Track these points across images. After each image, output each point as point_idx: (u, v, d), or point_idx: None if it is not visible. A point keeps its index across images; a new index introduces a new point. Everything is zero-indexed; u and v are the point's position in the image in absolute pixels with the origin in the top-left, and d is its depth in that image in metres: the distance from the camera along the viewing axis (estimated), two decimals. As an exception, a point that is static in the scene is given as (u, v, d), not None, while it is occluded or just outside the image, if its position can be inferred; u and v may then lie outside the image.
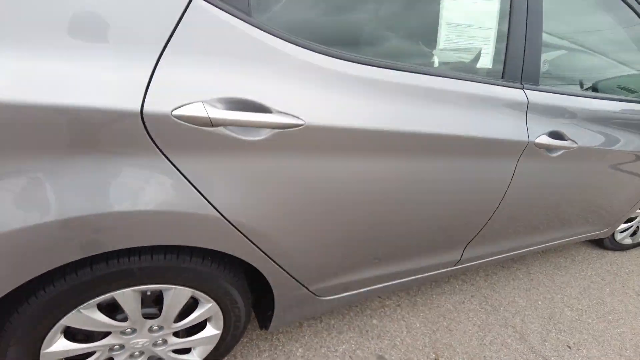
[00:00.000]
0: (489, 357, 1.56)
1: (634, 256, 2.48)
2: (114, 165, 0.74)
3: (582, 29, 1.59)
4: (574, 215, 1.79)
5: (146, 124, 0.73)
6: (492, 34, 1.18)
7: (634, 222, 2.35)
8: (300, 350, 1.45)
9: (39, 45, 0.65)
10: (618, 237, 2.36)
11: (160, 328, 1.05)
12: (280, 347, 1.44)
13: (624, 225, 2.32)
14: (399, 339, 1.58)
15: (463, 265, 1.62)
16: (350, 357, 1.46)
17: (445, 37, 1.10)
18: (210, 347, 1.18)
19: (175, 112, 0.75)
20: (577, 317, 1.87)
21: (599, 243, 2.46)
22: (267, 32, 0.83)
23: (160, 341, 1.09)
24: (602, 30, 1.62)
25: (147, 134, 0.74)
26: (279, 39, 0.85)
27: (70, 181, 0.71)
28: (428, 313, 1.73)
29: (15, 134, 0.65)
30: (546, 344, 1.68)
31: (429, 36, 1.11)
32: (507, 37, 1.20)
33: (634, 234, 2.44)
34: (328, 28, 0.96)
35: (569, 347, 1.69)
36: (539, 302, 1.93)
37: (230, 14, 0.79)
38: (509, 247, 1.70)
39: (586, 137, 1.47)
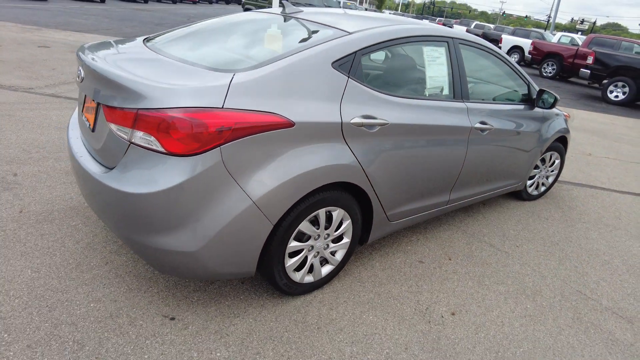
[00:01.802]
0: (477, 251, 2.75)
1: (539, 201, 3.89)
2: (332, 146, 1.84)
3: (478, 70, 2.99)
4: (502, 172, 3.12)
5: (343, 127, 1.86)
6: (446, 79, 2.48)
7: (534, 178, 3.77)
8: (377, 259, 2.52)
9: (321, 99, 1.77)
10: (529, 190, 3.76)
11: (327, 236, 2.09)
12: (362, 258, 2.50)
13: (530, 182, 3.73)
14: (426, 253, 2.71)
15: (450, 205, 2.83)
16: (421, 261, 2.56)
17: (429, 83, 2.38)
18: (344, 251, 2.22)
19: (351, 122, 1.88)
20: (515, 233, 3.15)
21: (518, 196, 3.84)
22: (372, 89, 2.02)
23: (326, 245, 2.12)
24: (488, 70, 3.03)
25: (342, 132, 1.87)
26: (375, 91, 2.03)
27: (325, 151, 1.80)
28: (438, 239, 2.90)
29: (319, 133, 1.74)
30: (504, 243, 2.92)
31: (424, 83, 2.37)
32: (452, 78, 2.51)
33: (537, 187, 3.86)
34: (391, 85, 2.17)
35: (517, 247, 2.94)
36: (494, 228, 3.19)
37: (360, 83, 1.97)
38: (472, 193, 2.95)
39: (498, 123, 2.81)
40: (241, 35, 2.25)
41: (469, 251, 2.83)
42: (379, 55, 2.26)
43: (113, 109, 1.62)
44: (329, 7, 13.10)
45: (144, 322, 1.87)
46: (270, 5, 11.72)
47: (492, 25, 27.94)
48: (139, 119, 1.54)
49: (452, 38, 2.53)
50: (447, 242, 2.90)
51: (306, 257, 2.06)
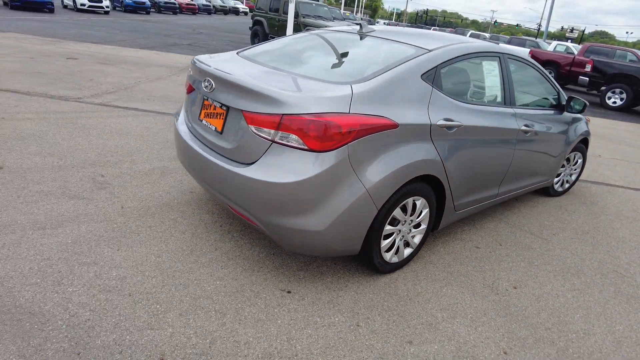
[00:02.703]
0: (521, 238, 3.13)
1: (564, 197, 4.29)
2: (423, 144, 2.21)
3: (520, 79, 3.39)
4: (537, 169, 3.51)
5: (431, 128, 2.23)
6: (499, 87, 2.87)
7: (560, 176, 4.17)
8: (440, 245, 2.88)
9: (412, 105, 2.14)
10: (555, 186, 4.16)
11: (411, 222, 2.44)
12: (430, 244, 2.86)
13: (556, 179, 4.13)
14: (480, 240, 3.08)
15: (498, 198, 3.21)
16: (477, 246, 2.92)
17: (488, 91, 2.77)
18: (421, 236, 2.58)
19: (437, 124, 2.26)
20: (549, 223, 3.54)
21: (545, 192, 4.23)
22: (448, 96, 2.39)
23: (409, 230, 2.48)
24: (527, 79, 3.44)
25: (430, 132, 2.24)
26: (450, 98, 2.41)
27: (418, 148, 2.17)
28: (486, 229, 3.27)
29: (414, 133, 2.11)
30: (542, 232, 3.30)
31: (484, 92, 2.75)
32: (503, 87, 2.90)
33: (562, 184, 4.26)
34: (460, 93, 2.55)
35: (554, 235, 3.33)
36: (531, 219, 3.58)
37: (440, 91, 2.34)
38: (514, 187, 3.34)
39: (537, 126, 3.20)
40: (333, 51, 2.63)
41: (514, 238, 3.20)
42: (450, 68, 2.62)
43: (256, 114, 1.97)
44: (336, 18, 13.57)
45: (267, 295, 2.20)
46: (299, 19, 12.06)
47: (487, 35, 28.75)
48: (284, 122, 1.89)
49: (502, 53, 2.93)
50: (494, 231, 3.27)
51: (394, 240, 2.42)
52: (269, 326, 1.99)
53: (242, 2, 44.31)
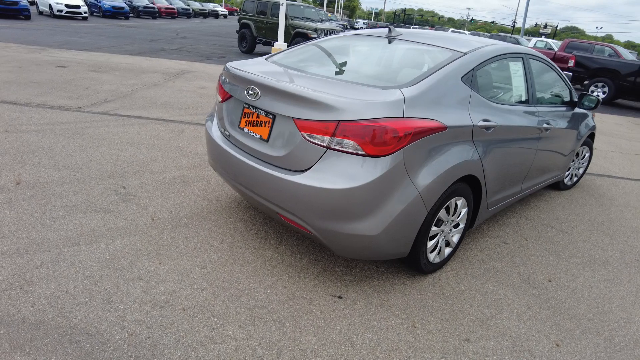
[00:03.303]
0: (543, 232, 3.22)
1: (573, 190, 4.42)
2: (466, 145, 2.26)
3: (539, 78, 3.48)
4: (553, 164, 3.60)
5: (473, 129, 2.27)
6: (524, 87, 2.94)
7: (569, 170, 4.29)
8: (471, 243, 2.93)
9: (456, 108, 2.18)
10: (565, 180, 4.28)
11: (452, 222, 2.48)
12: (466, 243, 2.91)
13: (566, 173, 4.25)
14: (506, 236, 3.15)
15: (521, 194, 3.29)
16: (505, 242, 2.98)
17: (515, 91, 2.83)
18: (459, 235, 2.62)
19: (477, 124, 2.30)
20: (566, 216, 3.64)
21: (555, 187, 4.35)
22: (483, 97, 2.44)
23: (449, 229, 2.52)
24: (545, 78, 3.53)
25: (472, 133, 2.28)
26: (485, 98, 2.46)
27: (463, 149, 2.21)
28: (509, 225, 3.35)
29: (459, 134, 2.15)
30: (561, 225, 3.40)
31: (512, 92, 2.82)
32: (527, 87, 2.97)
33: (571, 178, 4.39)
34: (492, 93, 2.61)
35: (572, 227, 3.43)
36: (548, 213, 3.67)
37: (477, 93, 2.39)
38: (534, 183, 3.42)
39: (555, 123, 3.30)
40: (368, 55, 2.65)
41: (537, 232, 3.28)
42: (484, 70, 2.67)
43: (310, 121, 1.97)
44: (323, 20, 13.58)
45: (319, 301, 2.20)
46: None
47: (467, 32, 29.26)
48: (340, 129, 1.90)
49: (525, 54, 3.00)
50: (517, 227, 3.35)
51: (437, 241, 2.45)
52: (329, 333, 1.99)
53: (221, 5, 43.87)
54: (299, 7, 12.86)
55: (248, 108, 2.36)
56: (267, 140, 2.22)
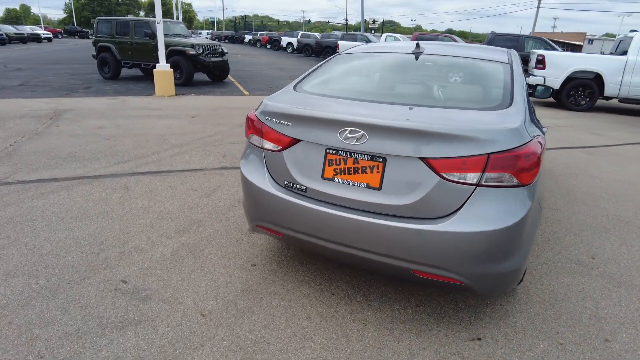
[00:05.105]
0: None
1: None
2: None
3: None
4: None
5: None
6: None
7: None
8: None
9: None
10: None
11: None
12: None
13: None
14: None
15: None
16: (531, 235, 3.17)
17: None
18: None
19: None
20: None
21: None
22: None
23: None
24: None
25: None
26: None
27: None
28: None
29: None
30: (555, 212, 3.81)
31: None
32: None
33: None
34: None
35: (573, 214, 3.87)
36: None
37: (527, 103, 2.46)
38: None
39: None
40: (421, 75, 2.50)
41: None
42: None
43: (450, 159, 1.74)
44: (193, 34, 12.66)
45: (467, 352, 1.99)
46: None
47: (318, 34, 30.88)
48: (491, 162, 1.72)
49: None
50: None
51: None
52: (512, 384, 1.82)
53: (42, 27, 37.07)
54: (166, 23, 11.73)
55: (335, 154, 1.98)
56: (380, 188, 1.89)
